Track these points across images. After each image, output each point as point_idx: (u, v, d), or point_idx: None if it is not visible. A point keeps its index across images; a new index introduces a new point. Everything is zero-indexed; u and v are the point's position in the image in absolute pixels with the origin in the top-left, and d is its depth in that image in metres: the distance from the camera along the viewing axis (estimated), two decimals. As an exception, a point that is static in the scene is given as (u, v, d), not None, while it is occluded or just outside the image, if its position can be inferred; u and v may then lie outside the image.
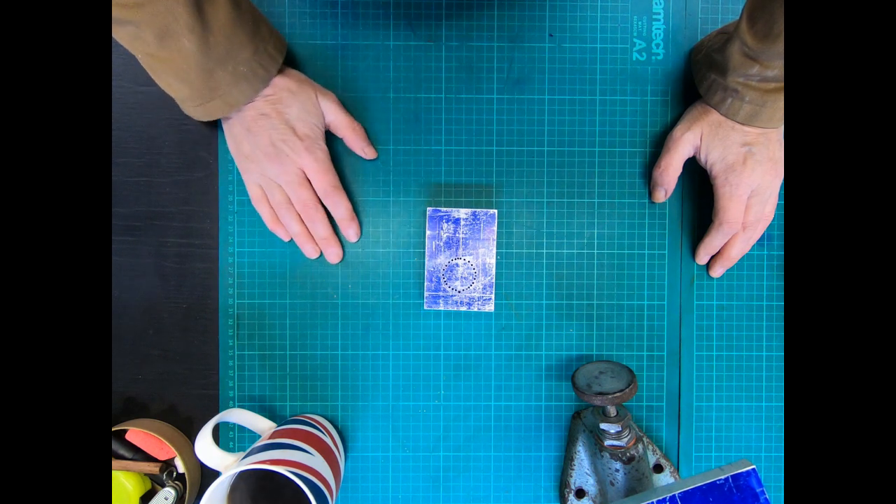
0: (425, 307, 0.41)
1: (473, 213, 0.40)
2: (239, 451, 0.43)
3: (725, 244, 0.42)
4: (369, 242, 0.43)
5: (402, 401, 0.44)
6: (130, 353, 0.44)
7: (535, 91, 0.43)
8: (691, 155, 0.41)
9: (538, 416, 0.44)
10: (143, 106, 0.43)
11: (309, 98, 0.39)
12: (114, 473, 0.41)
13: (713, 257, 0.43)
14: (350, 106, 0.43)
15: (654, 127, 0.43)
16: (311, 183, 0.40)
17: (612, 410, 0.37)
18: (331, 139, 0.42)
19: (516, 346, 0.44)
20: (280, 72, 0.38)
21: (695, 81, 0.41)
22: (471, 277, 0.40)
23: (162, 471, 0.41)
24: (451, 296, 0.41)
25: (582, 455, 0.41)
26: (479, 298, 0.41)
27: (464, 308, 0.41)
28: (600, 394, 0.36)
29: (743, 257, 0.43)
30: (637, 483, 0.36)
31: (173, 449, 0.41)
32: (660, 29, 0.43)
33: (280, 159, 0.39)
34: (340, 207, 0.41)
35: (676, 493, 0.29)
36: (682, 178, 0.43)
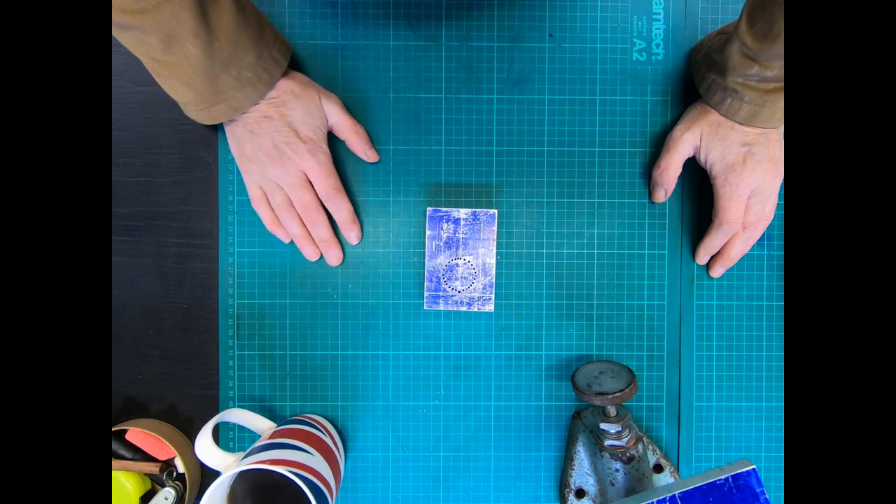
0: (425, 307, 0.41)
1: (473, 213, 0.40)
2: (239, 451, 0.43)
3: (725, 244, 0.42)
4: (369, 243, 0.43)
5: (402, 401, 0.44)
6: (130, 353, 0.44)
7: (535, 91, 0.43)
8: (691, 155, 0.41)
9: (538, 416, 0.44)
10: (143, 106, 0.43)
11: (312, 101, 0.39)
12: (114, 473, 0.41)
13: (713, 257, 0.43)
14: (350, 106, 0.43)
15: (654, 127, 0.43)
16: (312, 185, 0.40)
17: (612, 410, 0.37)
18: (332, 141, 0.42)
19: (516, 346, 0.44)
20: (284, 75, 0.38)
21: (695, 81, 0.41)
22: (471, 277, 0.40)
23: (162, 471, 0.41)
24: (451, 296, 0.41)
25: (582, 455, 0.41)
26: (479, 298, 0.41)
27: (464, 308, 0.41)
28: (600, 394, 0.36)
29: (743, 257, 0.43)
30: (637, 483, 0.36)
31: (173, 449, 0.41)
32: (660, 29, 0.43)
33: (282, 161, 0.39)
34: (342, 210, 0.41)
35: (676, 493, 0.29)
36: (682, 178, 0.43)
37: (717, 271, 0.43)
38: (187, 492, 0.41)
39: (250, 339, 0.43)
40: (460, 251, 0.40)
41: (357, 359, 0.44)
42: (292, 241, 0.43)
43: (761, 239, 0.44)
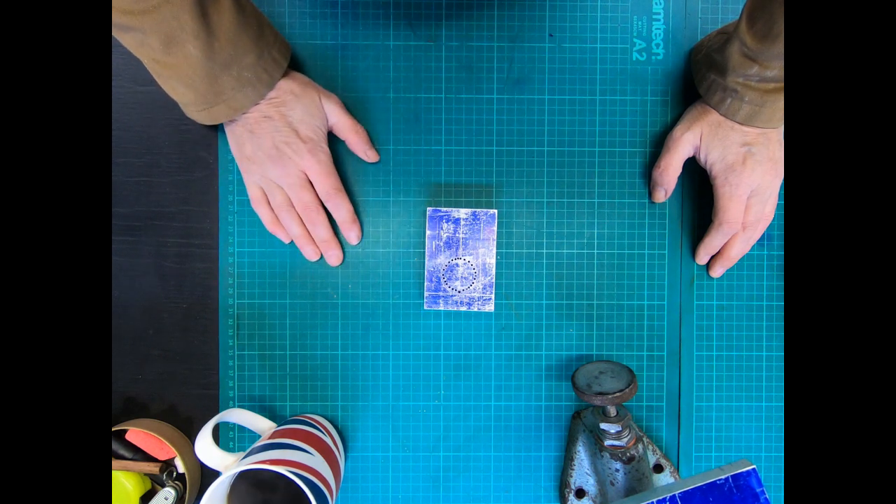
0: (425, 307, 0.41)
1: (473, 213, 0.40)
2: (239, 451, 0.43)
3: (725, 244, 0.42)
4: (369, 243, 0.44)
5: (402, 401, 0.44)
6: (130, 353, 0.44)
7: (535, 91, 0.43)
8: (691, 155, 0.41)
9: (538, 416, 0.44)
10: (143, 106, 0.43)
11: (312, 101, 0.39)
12: (114, 473, 0.41)
13: (713, 257, 0.43)
14: (350, 106, 0.43)
15: (654, 127, 0.43)
16: (312, 185, 0.41)
17: (612, 410, 0.37)
18: (332, 141, 0.42)
19: (516, 346, 0.44)
20: (284, 75, 0.38)
21: (694, 81, 0.41)
22: (471, 277, 0.40)
23: (162, 471, 0.41)
24: (451, 296, 0.41)
25: (582, 455, 0.41)
26: (479, 298, 0.41)
27: (464, 308, 0.41)
28: (600, 394, 0.36)
29: (743, 257, 0.43)
30: (637, 483, 0.36)
31: (173, 449, 0.41)
32: (660, 29, 0.43)
33: (282, 161, 0.39)
34: (342, 210, 0.41)
35: (676, 493, 0.29)
36: (682, 178, 0.43)
37: (717, 271, 0.43)
38: (187, 492, 0.41)
39: (250, 339, 0.43)
40: (460, 251, 0.40)
41: (357, 359, 0.44)
42: (292, 241, 0.43)
43: (761, 239, 0.44)
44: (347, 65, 0.43)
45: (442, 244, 0.40)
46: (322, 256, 0.43)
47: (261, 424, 0.41)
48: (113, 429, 0.41)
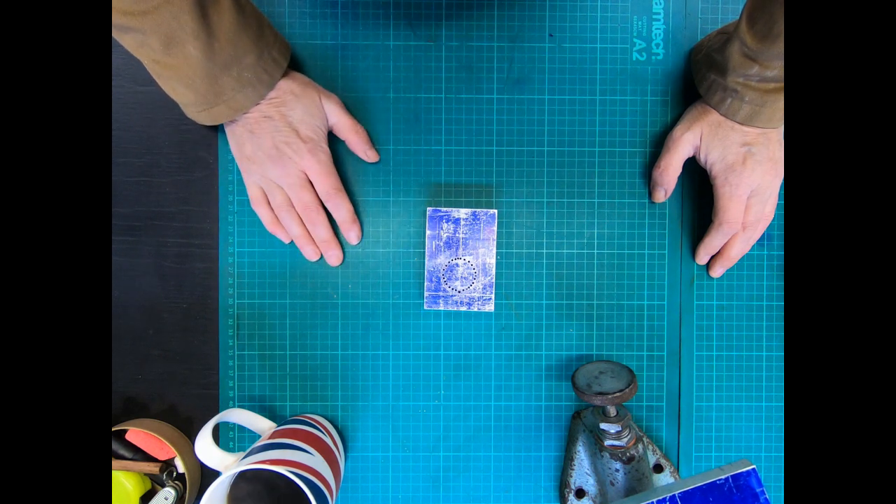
0: (425, 307, 0.41)
1: (473, 213, 0.40)
2: (239, 451, 0.43)
3: (725, 244, 0.42)
4: (369, 242, 0.44)
5: (402, 401, 0.44)
6: (130, 353, 0.44)
7: (535, 91, 0.43)
8: (691, 155, 0.41)
9: (538, 416, 0.44)
10: (143, 106, 0.43)
11: (312, 101, 0.39)
12: (114, 473, 0.41)
13: (713, 257, 0.43)
14: (350, 106, 0.43)
15: (654, 127, 0.43)
16: (312, 185, 0.41)
17: (612, 410, 0.37)
18: (332, 141, 0.42)
19: (516, 346, 0.44)
20: (284, 75, 0.38)
21: (695, 81, 0.41)
22: (471, 277, 0.40)
23: (162, 471, 0.41)
24: (451, 296, 0.41)
25: (582, 455, 0.41)
26: (479, 298, 0.41)
27: (464, 308, 0.41)
28: (600, 394, 0.36)
29: (743, 257, 0.43)
30: (637, 483, 0.36)
31: (173, 449, 0.41)
32: (660, 29, 0.43)
33: (282, 161, 0.39)
34: (342, 210, 0.41)
35: (676, 493, 0.29)
36: (682, 178, 0.43)
37: (717, 271, 0.43)
38: (187, 492, 0.41)
39: (250, 339, 0.43)
40: (460, 251, 0.40)
41: (357, 359, 0.44)
42: (292, 241, 0.43)
43: (761, 239, 0.44)
44: (347, 65, 0.43)
45: (442, 244, 0.40)
46: (322, 256, 0.43)
47: (261, 424, 0.41)
48: (113, 429, 0.41)
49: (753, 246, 0.43)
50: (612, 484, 0.37)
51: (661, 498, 0.30)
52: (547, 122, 0.43)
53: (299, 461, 0.34)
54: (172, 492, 0.41)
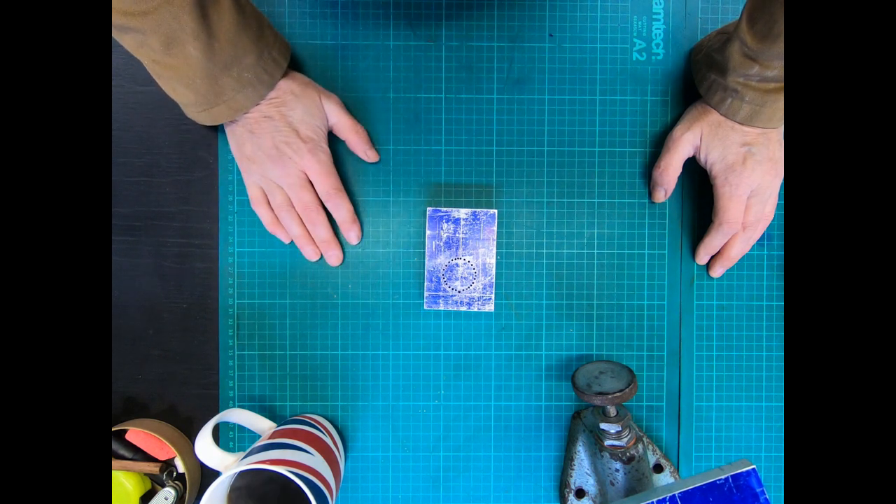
0: (425, 307, 0.41)
1: (473, 213, 0.40)
2: (239, 451, 0.43)
3: (725, 244, 0.42)
4: (369, 242, 0.44)
5: (402, 401, 0.44)
6: (130, 353, 0.44)
7: (535, 91, 0.43)
8: (691, 155, 0.41)
9: (538, 416, 0.44)
10: (143, 106, 0.43)
11: (312, 101, 0.39)
12: (114, 473, 0.41)
13: (713, 257, 0.43)
14: (350, 106, 0.43)
15: (654, 127, 0.43)
16: (312, 185, 0.41)
17: (612, 410, 0.37)
18: (332, 141, 0.42)
19: (516, 346, 0.44)
20: (284, 75, 0.38)
21: (695, 81, 0.41)
22: (471, 277, 0.40)
23: (162, 471, 0.41)
24: (451, 296, 0.41)
25: (582, 455, 0.41)
26: (479, 298, 0.41)
27: (464, 308, 0.41)
28: (600, 394, 0.36)
29: (743, 257, 0.43)
30: (637, 483, 0.36)
31: (173, 449, 0.41)
32: (660, 29, 0.43)
33: (282, 161, 0.39)
34: (342, 210, 0.41)
35: (676, 493, 0.29)
36: (682, 178, 0.43)
37: (717, 271, 0.43)
38: (187, 492, 0.41)
39: (250, 339, 0.43)
40: (460, 251, 0.40)
41: (357, 359, 0.44)
42: (292, 241, 0.43)
43: (761, 239, 0.44)
44: (347, 65, 0.43)
45: (442, 244, 0.40)
46: (322, 256, 0.43)
47: (261, 424, 0.41)
48: (113, 429, 0.41)
49: (753, 246, 0.43)
50: (612, 484, 0.37)
51: (661, 498, 0.30)
52: (547, 122, 0.43)
53: (299, 461, 0.34)
54: (172, 492, 0.41)
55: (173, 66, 0.34)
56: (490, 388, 0.44)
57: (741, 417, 0.44)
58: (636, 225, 0.44)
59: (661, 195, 0.42)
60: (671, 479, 0.41)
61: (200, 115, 0.37)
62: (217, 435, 0.44)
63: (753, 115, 0.37)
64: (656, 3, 0.43)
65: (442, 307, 0.41)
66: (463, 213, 0.40)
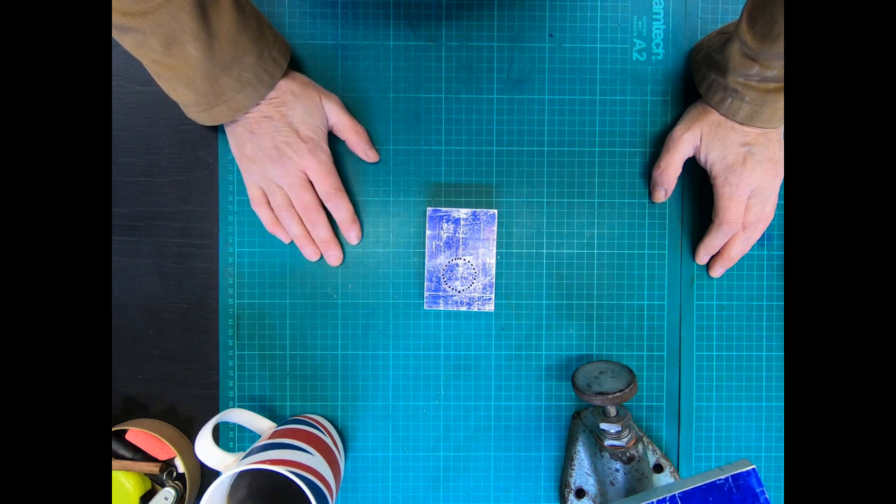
0: (425, 307, 0.41)
1: (473, 213, 0.40)
2: (239, 451, 0.43)
3: (725, 244, 0.42)
4: (369, 242, 0.44)
5: (402, 401, 0.44)
6: (130, 353, 0.44)
7: (535, 91, 0.43)
8: (691, 155, 0.41)
9: (538, 416, 0.44)
10: (143, 106, 0.43)
11: (312, 101, 0.39)
12: (114, 473, 0.41)
13: (713, 257, 0.43)
14: (350, 106, 0.43)
15: (654, 127, 0.43)
16: (312, 185, 0.41)
17: (612, 410, 0.37)
18: (332, 141, 0.42)
19: (516, 346, 0.44)
20: (284, 75, 0.38)
21: (695, 81, 0.41)
22: (471, 277, 0.40)
23: (162, 471, 0.41)
24: (451, 296, 0.41)
25: (582, 455, 0.41)
26: (479, 298, 0.41)
27: (464, 308, 0.41)
28: (600, 394, 0.36)
29: (743, 257, 0.43)
30: (637, 483, 0.36)
31: (173, 449, 0.41)
32: (660, 29, 0.43)
33: (282, 161, 0.39)
34: (342, 210, 0.41)
35: (676, 493, 0.29)
36: (682, 178, 0.43)
37: (717, 271, 0.43)
38: (187, 492, 0.41)
39: (250, 339, 0.43)
40: (460, 251, 0.40)
41: (357, 359, 0.44)
42: (292, 241, 0.43)
43: (761, 239, 0.44)
44: (347, 65, 0.43)
45: (442, 244, 0.40)
46: (322, 256, 0.43)
47: (261, 424, 0.41)
48: (113, 429, 0.41)
49: (753, 246, 0.43)
50: (612, 484, 0.37)
51: (661, 498, 0.30)
52: (547, 122, 0.43)
53: (299, 461, 0.34)
54: (172, 492, 0.41)
55: (173, 67, 0.34)
56: (490, 388, 0.44)
57: (741, 417, 0.44)
58: (636, 225, 0.44)
59: (661, 195, 0.42)
60: (671, 479, 0.41)
61: (200, 115, 0.37)
62: (217, 435, 0.44)
63: (753, 115, 0.37)
64: (656, 3, 0.43)
65: (442, 307, 0.41)
66: (463, 213, 0.40)
